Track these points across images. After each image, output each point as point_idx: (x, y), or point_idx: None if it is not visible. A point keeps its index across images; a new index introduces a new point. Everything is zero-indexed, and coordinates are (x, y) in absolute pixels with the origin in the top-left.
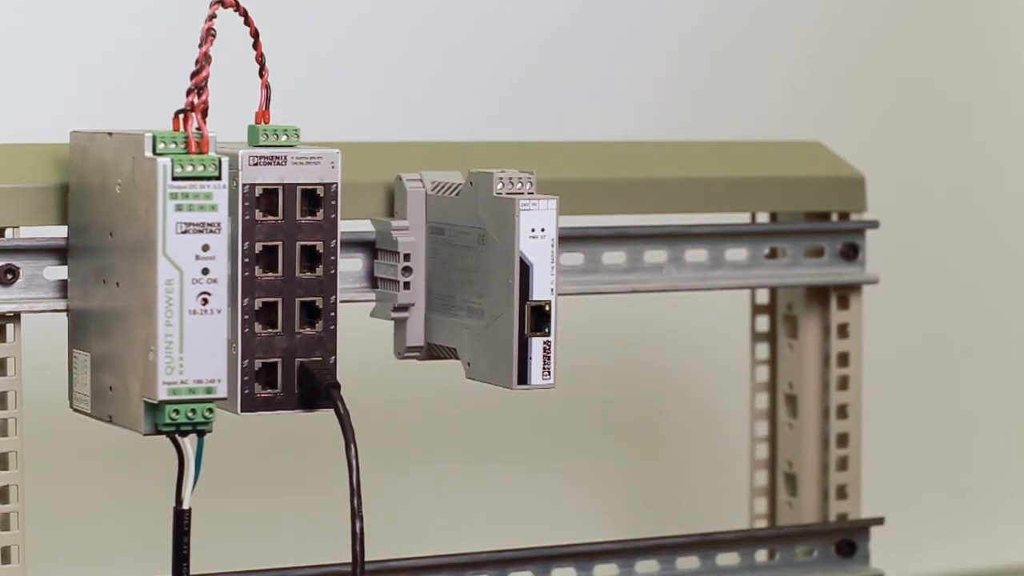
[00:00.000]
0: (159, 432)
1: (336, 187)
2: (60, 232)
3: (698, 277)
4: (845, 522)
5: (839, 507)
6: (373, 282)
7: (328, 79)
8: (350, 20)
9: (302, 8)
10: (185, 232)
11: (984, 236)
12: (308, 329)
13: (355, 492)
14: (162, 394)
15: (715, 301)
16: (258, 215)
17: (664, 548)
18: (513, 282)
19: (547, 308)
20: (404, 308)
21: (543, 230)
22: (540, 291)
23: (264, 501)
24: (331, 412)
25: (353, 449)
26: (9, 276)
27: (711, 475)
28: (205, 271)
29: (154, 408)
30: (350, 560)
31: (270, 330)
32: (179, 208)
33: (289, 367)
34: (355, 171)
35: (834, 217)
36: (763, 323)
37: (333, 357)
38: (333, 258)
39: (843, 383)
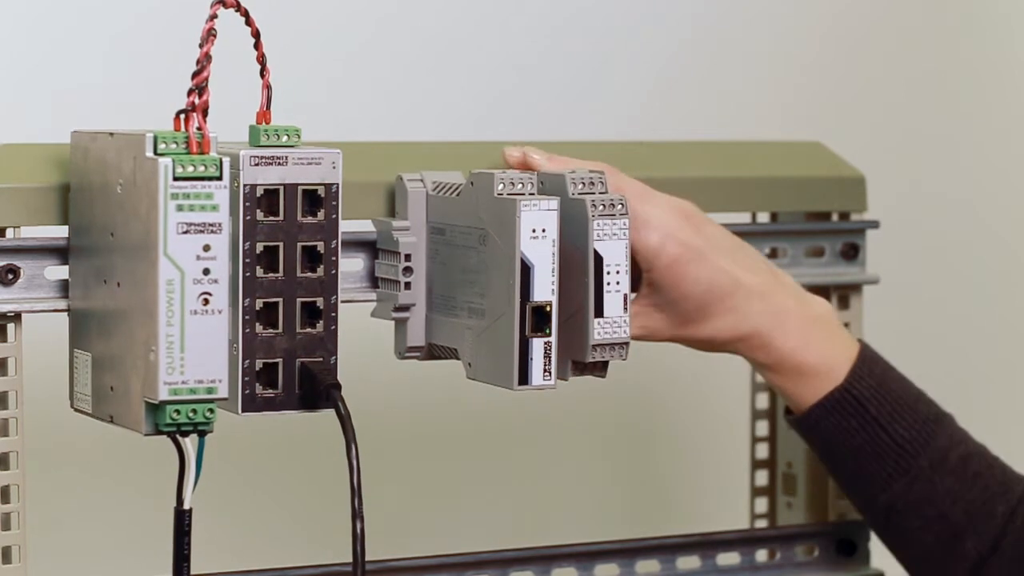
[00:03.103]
0: (160, 432)
1: (337, 187)
2: (61, 232)
3: None
4: (845, 521)
5: (839, 507)
6: (374, 282)
7: (329, 79)
8: (351, 19)
9: (303, 8)
10: (186, 232)
11: (984, 236)
12: (309, 329)
13: (356, 493)
14: (163, 394)
15: None
16: (259, 215)
17: (665, 548)
18: (514, 283)
19: (548, 309)
20: (405, 308)
21: (544, 231)
22: (541, 292)
23: (265, 501)
24: (332, 412)
25: (354, 449)
26: (10, 276)
27: (711, 475)
28: (206, 271)
29: (155, 408)
30: (351, 560)
31: (271, 330)
32: (180, 208)
33: (290, 367)
34: (356, 171)
35: (834, 217)
36: None
37: (334, 357)
38: (334, 258)
39: None
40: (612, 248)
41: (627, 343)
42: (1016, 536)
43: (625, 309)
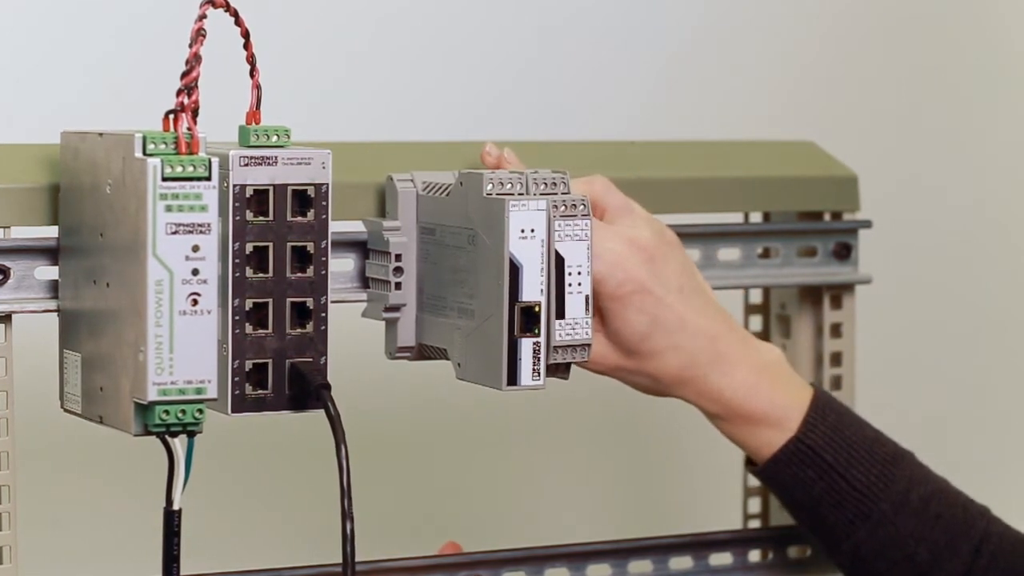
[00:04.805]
0: (149, 433)
1: (327, 187)
2: (51, 232)
3: None
4: None
5: None
6: (364, 282)
7: (319, 79)
8: (341, 20)
9: (293, 8)
10: (175, 233)
11: (977, 235)
12: (299, 329)
13: (346, 493)
14: (152, 395)
15: None
16: (248, 216)
17: (657, 548)
18: (503, 283)
19: (537, 309)
20: (395, 308)
21: (533, 231)
22: (530, 292)
23: (254, 502)
24: (322, 413)
25: (344, 450)
26: (0, 276)
27: (704, 475)
28: (195, 272)
29: (144, 409)
30: (341, 561)
31: (261, 331)
32: (169, 209)
33: (280, 368)
34: (346, 171)
35: (827, 217)
36: (756, 323)
37: (324, 357)
38: (324, 258)
39: (836, 383)
40: (573, 249)
41: (588, 344)
42: (983, 572)
43: (587, 311)
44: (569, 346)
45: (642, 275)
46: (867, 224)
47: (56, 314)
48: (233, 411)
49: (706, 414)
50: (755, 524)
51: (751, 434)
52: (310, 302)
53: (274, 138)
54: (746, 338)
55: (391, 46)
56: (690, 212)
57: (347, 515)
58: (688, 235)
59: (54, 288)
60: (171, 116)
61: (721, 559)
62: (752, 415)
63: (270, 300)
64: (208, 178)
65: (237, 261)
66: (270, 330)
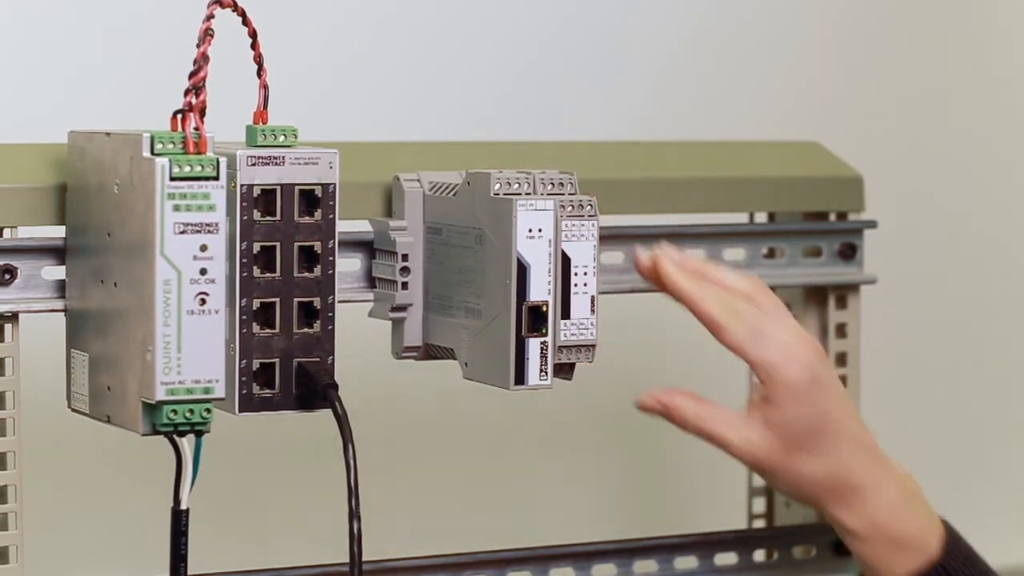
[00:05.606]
0: (157, 432)
1: (334, 187)
2: (58, 232)
3: None
4: None
5: None
6: (371, 282)
7: (326, 79)
8: (348, 20)
9: (300, 8)
10: (183, 232)
11: (982, 236)
12: (306, 329)
13: (353, 493)
14: (160, 394)
15: None
16: (256, 215)
17: (662, 548)
18: (510, 283)
19: (544, 309)
20: (402, 308)
21: (540, 231)
22: (537, 292)
23: (262, 501)
24: (329, 412)
25: (351, 449)
26: (7, 276)
27: (709, 475)
28: (203, 271)
29: (152, 408)
30: (348, 560)
31: (268, 330)
32: (177, 208)
33: (287, 367)
34: (353, 171)
35: (832, 217)
36: None
37: (331, 357)
38: (331, 258)
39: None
40: (580, 249)
41: (594, 345)
42: None
43: (592, 311)
44: (575, 346)
45: (820, 370)
46: (872, 224)
47: (63, 314)
48: (240, 411)
49: (842, 528)
50: (760, 524)
51: (892, 555)
52: (317, 302)
53: (281, 138)
54: (882, 452)
55: (397, 46)
56: (695, 212)
57: (354, 514)
58: (693, 235)
59: (61, 288)
60: (179, 116)
61: (726, 559)
62: (898, 537)
63: (277, 300)
64: (216, 178)
65: (244, 261)
66: (277, 330)
